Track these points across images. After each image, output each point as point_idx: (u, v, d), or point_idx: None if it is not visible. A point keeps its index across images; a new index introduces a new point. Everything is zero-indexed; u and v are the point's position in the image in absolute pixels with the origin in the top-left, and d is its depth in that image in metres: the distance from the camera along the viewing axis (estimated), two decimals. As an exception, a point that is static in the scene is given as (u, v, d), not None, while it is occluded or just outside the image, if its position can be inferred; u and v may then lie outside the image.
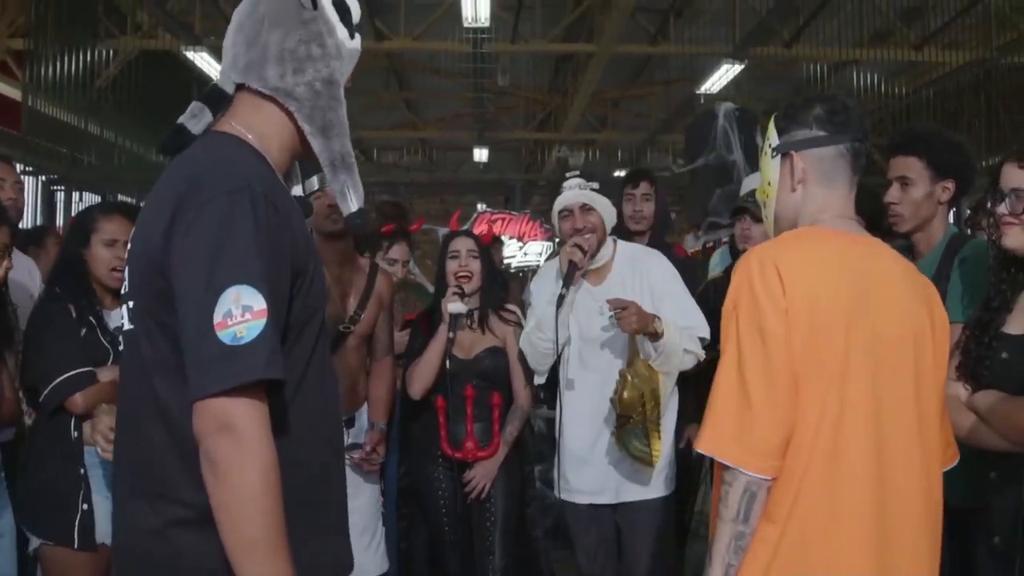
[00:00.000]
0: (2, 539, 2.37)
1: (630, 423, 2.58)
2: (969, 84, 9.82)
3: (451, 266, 2.95)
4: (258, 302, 1.20)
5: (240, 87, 1.43)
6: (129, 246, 1.42)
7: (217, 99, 1.44)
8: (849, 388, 1.39)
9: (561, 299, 2.63)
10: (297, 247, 1.32)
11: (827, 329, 1.39)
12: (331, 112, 1.39)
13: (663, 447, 2.66)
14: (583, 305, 2.75)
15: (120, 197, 9.73)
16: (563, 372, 2.78)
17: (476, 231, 3.36)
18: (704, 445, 1.41)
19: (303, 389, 1.35)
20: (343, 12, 1.43)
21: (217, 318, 1.19)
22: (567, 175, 2.84)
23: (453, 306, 2.85)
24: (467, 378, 2.92)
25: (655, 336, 2.54)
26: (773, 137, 1.61)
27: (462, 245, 2.98)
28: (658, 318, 2.55)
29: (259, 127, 1.40)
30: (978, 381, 1.87)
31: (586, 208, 2.72)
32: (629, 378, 2.57)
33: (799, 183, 1.56)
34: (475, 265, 2.95)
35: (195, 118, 1.44)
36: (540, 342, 2.72)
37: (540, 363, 2.79)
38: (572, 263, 2.65)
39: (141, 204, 1.91)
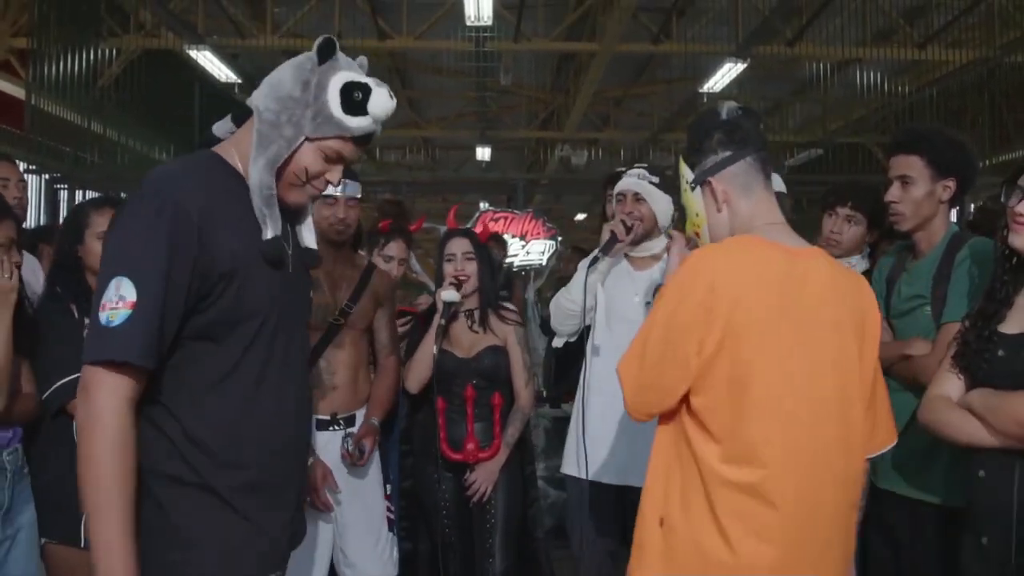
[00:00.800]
0: (20, 532, 2.35)
1: None
2: (972, 83, 9.80)
3: (447, 269, 2.96)
4: (130, 294, 1.38)
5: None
6: None
7: (246, 115, 1.61)
8: (764, 380, 1.55)
9: (595, 261, 2.70)
10: (217, 254, 1.46)
11: (747, 326, 1.54)
12: (273, 145, 1.52)
13: None
14: (619, 283, 2.80)
15: (123, 196, 9.76)
16: (590, 341, 2.80)
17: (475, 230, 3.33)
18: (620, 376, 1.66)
19: (231, 381, 1.50)
20: (352, 93, 1.53)
21: (102, 300, 1.40)
22: (636, 165, 2.94)
23: (447, 294, 2.88)
24: (467, 377, 2.91)
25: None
26: (687, 174, 1.82)
27: (457, 248, 2.98)
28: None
29: (243, 144, 1.56)
30: (973, 375, 1.87)
31: (639, 198, 2.78)
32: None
33: (723, 203, 1.72)
34: (471, 267, 2.96)
35: (223, 125, 1.64)
36: (566, 301, 2.78)
37: (562, 322, 2.83)
38: (613, 234, 2.70)
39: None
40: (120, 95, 9.76)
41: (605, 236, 2.75)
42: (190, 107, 11.27)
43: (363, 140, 1.58)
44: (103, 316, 1.39)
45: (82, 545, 2.33)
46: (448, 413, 2.88)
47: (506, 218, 7.56)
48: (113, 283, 1.39)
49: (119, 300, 1.38)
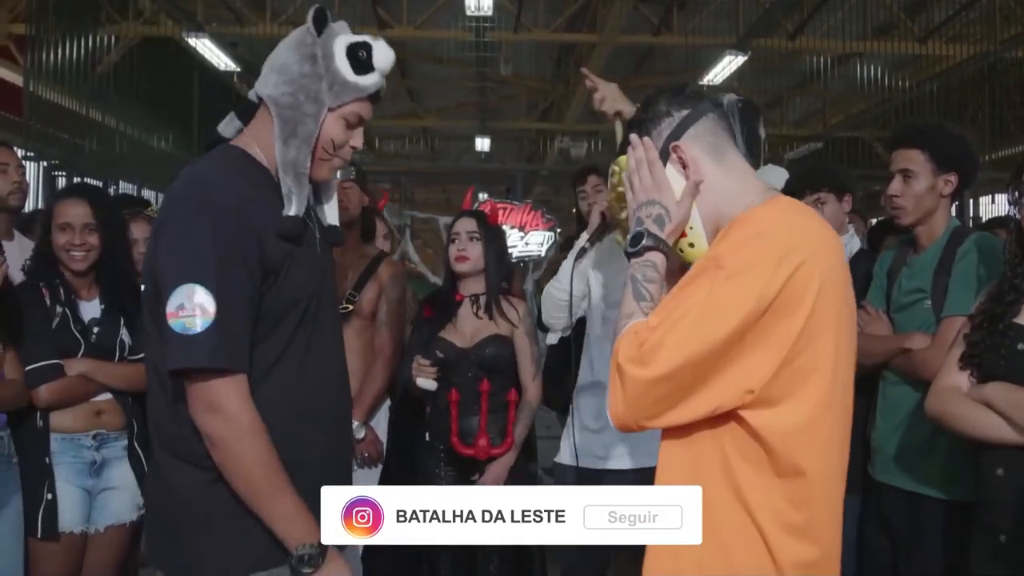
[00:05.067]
0: (5, 522, 2.33)
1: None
2: (973, 78, 9.78)
3: (451, 250, 2.84)
4: (209, 303, 1.39)
5: (261, 100, 1.58)
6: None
7: (250, 109, 1.61)
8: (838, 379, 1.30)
9: (582, 251, 2.54)
10: (269, 253, 1.48)
11: (824, 319, 1.25)
12: (302, 125, 1.52)
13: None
14: (611, 267, 2.58)
15: (121, 183, 9.73)
16: (587, 332, 2.70)
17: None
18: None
19: (280, 368, 1.51)
20: (357, 53, 1.55)
21: (170, 308, 1.39)
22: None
23: (423, 382, 2.71)
24: (466, 368, 2.77)
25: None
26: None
27: (462, 227, 2.85)
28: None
29: (262, 136, 1.57)
30: (988, 372, 1.83)
31: None
32: (618, 170, 2.34)
33: (694, 173, 1.34)
34: (474, 249, 2.81)
35: (228, 124, 1.63)
36: (554, 290, 2.63)
37: (553, 314, 2.67)
38: (602, 215, 2.50)
39: (116, 188, 2.10)
40: (119, 82, 9.72)
41: (595, 220, 2.56)
42: (189, 95, 11.23)
43: (375, 97, 1.60)
44: (176, 324, 1.39)
45: (38, 536, 2.33)
46: (460, 406, 2.71)
47: (505, 209, 7.55)
48: (182, 291, 1.39)
49: (196, 308, 1.39)
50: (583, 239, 2.60)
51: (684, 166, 1.34)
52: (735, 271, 1.20)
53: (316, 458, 1.55)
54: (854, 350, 1.33)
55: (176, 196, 1.49)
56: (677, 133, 1.35)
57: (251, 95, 1.60)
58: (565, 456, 2.69)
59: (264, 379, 1.49)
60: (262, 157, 1.56)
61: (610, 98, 2.31)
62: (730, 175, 1.35)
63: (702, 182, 1.34)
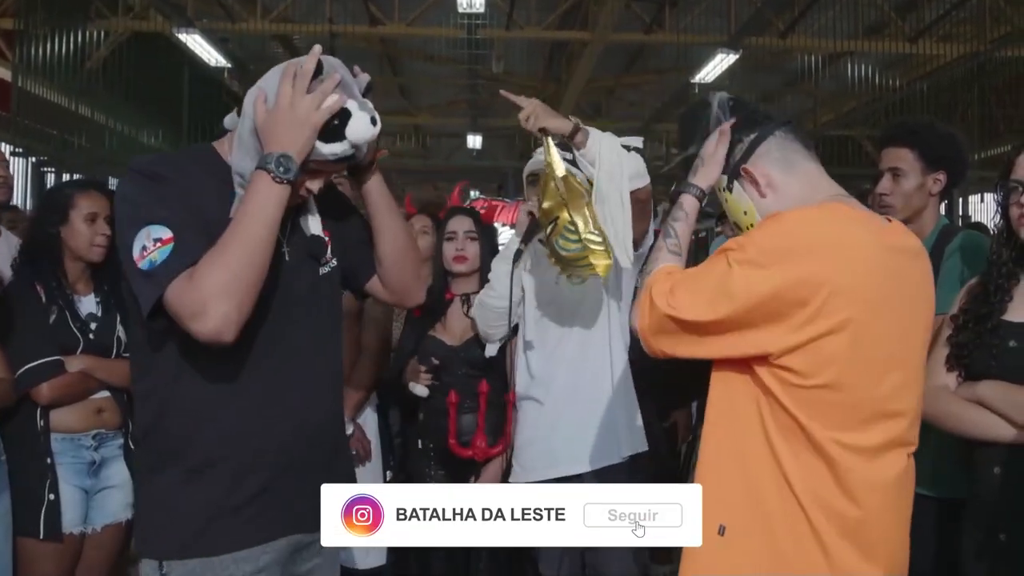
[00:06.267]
0: None
1: (556, 226, 2.22)
2: (963, 77, 9.85)
3: (447, 249, 2.79)
4: (164, 233, 1.40)
5: None
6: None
7: None
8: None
9: (519, 254, 2.47)
10: (208, 218, 1.48)
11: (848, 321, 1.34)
12: (252, 143, 1.51)
13: (616, 235, 2.18)
14: (540, 266, 2.53)
15: (110, 179, 9.68)
16: (520, 335, 2.60)
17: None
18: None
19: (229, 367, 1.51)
20: (331, 120, 1.47)
21: (135, 255, 1.40)
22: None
23: (415, 388, 2.69)
24: (456, 366, 2.73)
25: (572, 140, 2.20)
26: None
27: (459, 226, 2.80)
28: (577, 123, 2.23)
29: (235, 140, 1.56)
30: (979, 372, 1.83)
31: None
32: (552, 184, 2.18)
33: (767, 188, 1.50)
34: (472, 248, 2.78)
35: (232, 119, 1.61)
36: (491, 300, 2.53)
37: (491, 325, 2.59)
38: (531, 215, 2.44)
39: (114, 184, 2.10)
40: (108, 78, 9.68)
41: (523, 221, 2.50)
42: (179, 91, 11.20)
43: (344, 160, 1.54)
44: (144, 263, 1.39)
45: (40, 537, 2.31)
46: (458, 408, 2.67)
47: (496, 206, 7.54)
48: (140, 235, 1.40)
49: (155, 242, 1.39)
50: (514, 242, 2.52)
51: (754, 183, 1.52)
52: (748, 259, 1.35)
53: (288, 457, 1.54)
54: (915, 346, 1.46)
55: (122, 179, 1.54)
56: (746, 156, 1.53)
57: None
58: (518, 476, 2.57)
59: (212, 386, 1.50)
60: (229, 158, 1.56)
61: (534, 116, 2.21)
62: (799, 181, 1.50)
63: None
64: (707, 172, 1.58)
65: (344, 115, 1.48)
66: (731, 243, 1.41)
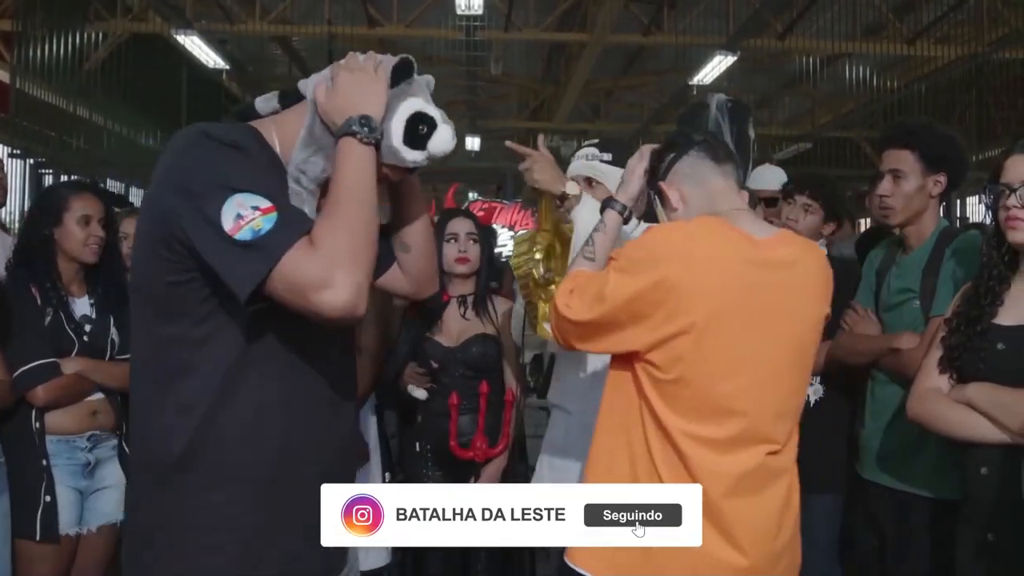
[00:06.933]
0: None
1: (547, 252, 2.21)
2: (961, 79, 9.86)
3: (448, 251, 2.78)
4: (262, 201, 1.23)
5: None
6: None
7: (293, 95, 1.47)
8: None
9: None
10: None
11: (701, 325, 1.49)
12: (324, 140, 1.39)
13: None
14: None
15: (109, 180, 9.69)
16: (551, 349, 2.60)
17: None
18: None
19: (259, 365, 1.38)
20: (417, 126, 1.42)
21: (228, 226, 1.22)
22: (584, 143, 2.47)
23: (414, 391, 2.70)
24: (454, 368, 2.75)
25: (561, 203, 2.12)
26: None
27: (461, 227, 2.80)
28: (566, 192, 2.13)
29: (287, 126, 1.43)
30: (968, 374, 1.84)
31: (592, 182, 2.30)
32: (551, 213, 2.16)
33: (679, 203, 1.66)
34: (474, 250, 2.79)
35: (267, 102, 1.49)
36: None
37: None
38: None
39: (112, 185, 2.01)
40: (106, 79, 9.67)
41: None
42: (177, 92, 11.19)
43: (412, 170, 1.48)
44: (243, 233, 1.21)
45: (37, 538, 2.31)
46: (458, 409, 2.62)
47: (495, 208, 7.55)
48: (230, 203, 1.22)
49: (254, 211, 1.22)
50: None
51: (668, 198, 1.67)
52: (620, 266, 1.54)
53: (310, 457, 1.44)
54: (773, 352, 1.55)
55: (178, 142, 1.35)
56: (664, 174, 1.69)
57: (300, 85, 1.46)
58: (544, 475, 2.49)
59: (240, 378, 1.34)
60: (276, 145, 1.41)
61: (530, 171, 2.13)
62: (701, 197, 1.65)
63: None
64: (626, 188, 1.76)
65: (431, 124, 1.43)
66: (614, 252, 1.60)
